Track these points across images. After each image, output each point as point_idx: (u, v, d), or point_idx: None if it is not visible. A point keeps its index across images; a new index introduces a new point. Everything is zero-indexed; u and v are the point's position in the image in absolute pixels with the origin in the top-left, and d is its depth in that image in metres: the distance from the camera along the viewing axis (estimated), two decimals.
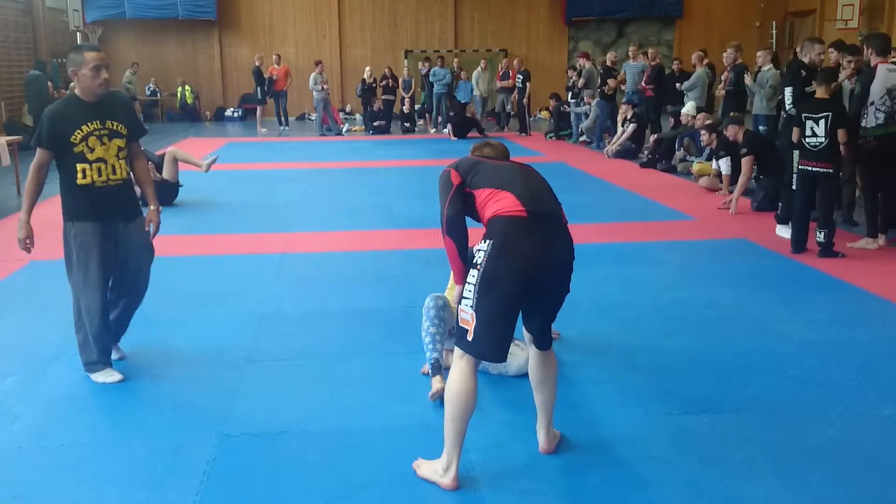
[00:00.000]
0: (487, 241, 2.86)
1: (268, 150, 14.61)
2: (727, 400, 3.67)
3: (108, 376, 3.93)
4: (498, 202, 2.93)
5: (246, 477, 3.04)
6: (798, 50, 8.50)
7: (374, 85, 17.88)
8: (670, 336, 4.53)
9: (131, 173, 4.04)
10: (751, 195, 8.32)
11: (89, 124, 3.78)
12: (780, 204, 7.15)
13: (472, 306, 2.81)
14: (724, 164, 9.00)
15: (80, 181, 3.82)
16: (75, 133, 3.76)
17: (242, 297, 5.33)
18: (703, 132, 9.79)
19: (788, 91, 6.98)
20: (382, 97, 18.00)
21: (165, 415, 3.57)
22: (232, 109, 21.87)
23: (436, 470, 2.95)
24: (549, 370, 3.14)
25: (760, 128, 10.48)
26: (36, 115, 13.58)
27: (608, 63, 14.45)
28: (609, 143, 13.29)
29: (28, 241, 3.97)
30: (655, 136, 12.17)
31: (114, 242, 3.93)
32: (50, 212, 8.45)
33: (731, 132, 8.44)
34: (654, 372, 4.01)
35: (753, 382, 3.86)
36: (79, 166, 3.80)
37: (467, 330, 2.83)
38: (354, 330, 4.63)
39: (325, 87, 16.97)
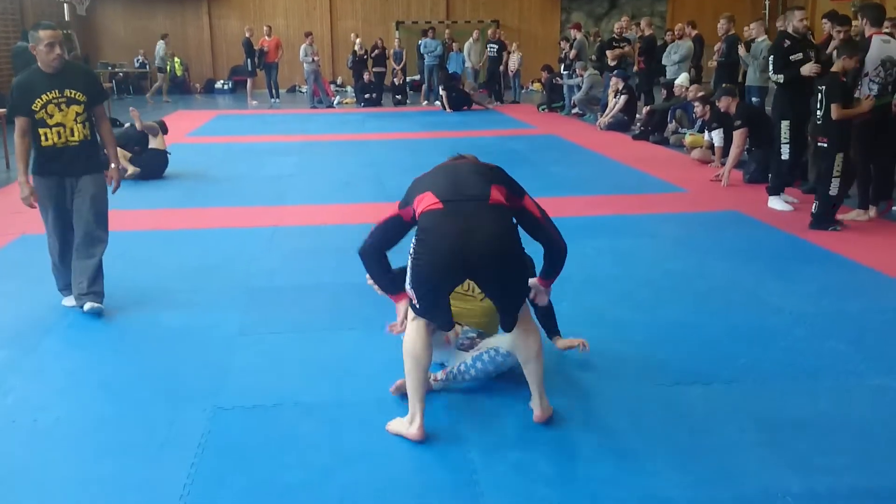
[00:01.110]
0: (414, 238, 3.00)
1: (258, 122, 14.52)
2: (719, 371, 3.70)
3: (66, 301, 4.62)
4: (421, 203, 3.00)
5: (240, 449, 3.05)
6: (781, 21, 8.47)
7: (366, 57, 17.76)
8: (662, 308, 4.54)
9: (96, 134, 4.53)
10: (743, 167, 8.31)
11: (48, 93, 4.29)
12: (770, 175, 7.15)
13: (410, 284, 3.05)
14: (717, 136, 8.99)
15: (42, 143, 4.34)
16: (36, 101, 4.28)
17: (234, 270, 5.32)
18: (696, 104, 9.78)
19: (771, 59, 6.97)
20: (373, 69, 17.89)
21: (159, 388, 3.57)
22: (222, 82, 21.72)
23: (402, 423, 3.11)
24: (528, 350, 3.17)
25: (753, 99, 10.46)
26: None
27: (615, 33, 14.21)
28: (601, 115, 13.25)
29: (32, 197, 4.43)
30: (648, 107, 12.14)
31: (70, 194, 4.43)
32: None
33: (724, 104, 8.42)
34: (645, 344, 4.03)
35: (745, 353, 3.88)
36: (40, 130, 4.32)
37: (412, 299, 3.07)
38: (346, 303, 4.63)
39: (315, 58, 16.84)
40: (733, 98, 8.40)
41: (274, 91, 17.66)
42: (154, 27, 21.10)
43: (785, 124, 6.90)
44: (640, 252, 5.71)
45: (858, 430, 3.17)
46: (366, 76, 17.56)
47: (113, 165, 4.57)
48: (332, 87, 19.73)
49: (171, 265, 5.43)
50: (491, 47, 17.69)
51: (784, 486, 2.77)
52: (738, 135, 7.96)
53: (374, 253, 3.17)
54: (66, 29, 19.22)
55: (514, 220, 3.04)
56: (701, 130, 9.89)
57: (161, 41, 18.88)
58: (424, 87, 18.25)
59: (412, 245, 2.99)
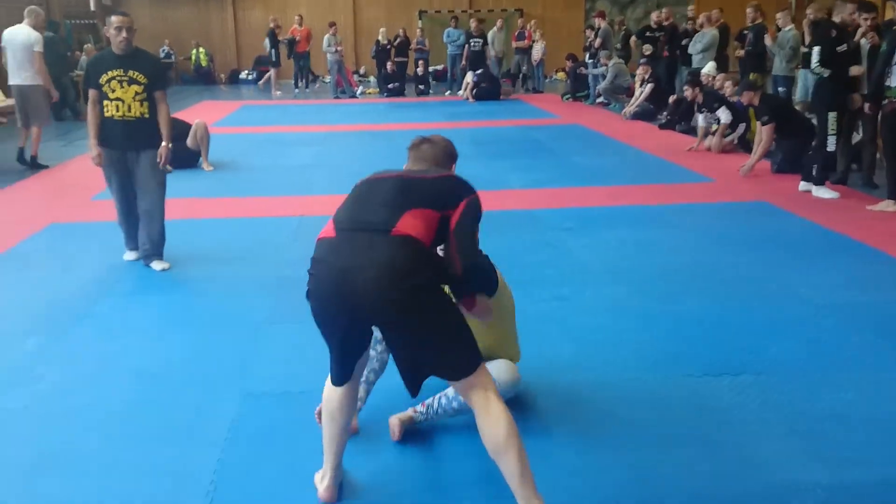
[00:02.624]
0: (309, 269, 2.47)
1: (283, 112, 14.58)
2: (747, 362, 3.67)
3: (127, 255, 5.29)
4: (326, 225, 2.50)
5: (269, 435, 3.08)
6: (809, 11, 8.39)
7: (389, 47, 17.76)
8: (688, 299, 4.52)
9: (154, 114, 5.03)
10: (770, 157, 8.23)
11: (113, 71, 4.91)
12: (814, 166, 7.08)
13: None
14: (724, 114, 9.00)
15: (104, 114, 4.96)
16: (102, 76, 4.91)
17: (261, 259, 5.36)
18: (686, 87, 9.75)
19: (816, 50, 6.88)
20: (396, 59, 17.88)
21: (188, 375, 3.61)
22: (246, 72, 21.80)
23: (318, 476, 2.71)
24: (490, 439, 2.38)
25: (780, 89, 10.38)
26: (53, 76, 13.50)
27: (652, 23, 14.07)
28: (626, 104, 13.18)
29: (99, 157, 5.05)
30: (674, 96, 12.05)
31: (129, 165, 5.02)
32: (64, 174, 8.52)
33: (747, 98, 8.37)
34: (671, 335, 4.01)
35: (773, 345, 3.86)
36: (104, 102, 4.95)
37: None
38: None
39: (338, 49, 16.87)
40: (755, 91, 8.34)
41: (306, 80, 17.71)
42: (179, 17, 21.23)
43: (832, 116, 6.85)
44: (665, 242, 5.68)
45: (888, 421, 3.14)
46: (389, 66, 17.56)
47: (164, 143, 5.06)
48: (356, 77, 19.76)
49: (200, 254, 5.48)
50: (475, 42, 17.26)
51: (813, 477, 2.76)
52: (765, 130, 7.89)
53: None
54: (92, 19, 19.42)
55: (430, 251, 2.41)
56: (697, 112, 9.86)
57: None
58: (448, 76, 18.22)
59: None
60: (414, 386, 2.47)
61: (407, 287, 2.26)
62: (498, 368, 3.01)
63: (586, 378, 3.53)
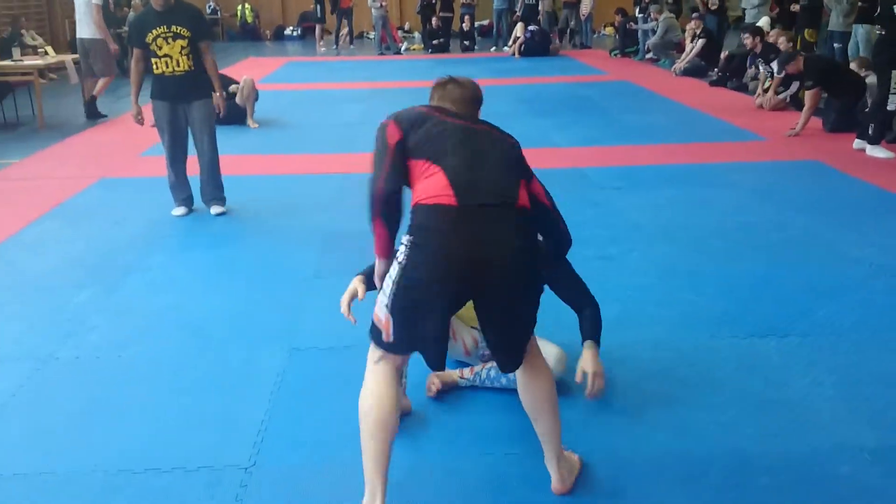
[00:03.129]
0: (408, 237, 2.24)
1: (327, 69, 14.56)
2: (794, 324, 3.61)
3: (175, 211, 5.42)
4: (426, 182, 2.23)
5: (315, 388, 3.13)
6: None
7: (434, 1, 17.55)
8: (736, 260, 4.45)
9: (200, 66, 5.18)
10: (822, 116, 8.01)
11: (158, 28, 5.02)
12: (871, 125, 6.88)
13: (388, 306, 2.25)
14: (778, 67, 8.82)
15: (155, 71, 5.12)
16: (148, 35, 5.02)
17: (308, 215, 5.40)
18: (746, 36, 9.48)
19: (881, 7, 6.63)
20: (441, 14, 17.68)
21: (236, 329, 3.67)
22: (291, 28, 21.76)
23: None
24: (534, 396, 2.41)
25: (835, 45, 10.07)
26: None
27: None
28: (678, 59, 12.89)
29: (139, 115, 5.35)
30: (726, 52, 11.75)
31: (182, 117, 5.20)
32: (113, 131, 8.64)
33: (792, 69, 8.18)
34: (719, 295, 3.96)
35: (822, 306, 3.79)
36: (153, 60, 5.08)
37: (382, 331, 2.29)
38: None
39: (383, 4, 16.74)
40: (795, 60, 8.13)
41: (350, 37, 17.63)
42: None
43: (895, 73, 6.62)
44: (715, 202, 5.58)
45: None
46: (434, 21, 17.38)
47: (218, 94, 5.33)
48: (400, 33, 19.60)
49: (246, 209, 5.53)
50: None
51: (859, 440, 2.72)
52: (808, 95, 7.67)
53: (395, 197, 2.32)
54: None
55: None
56: (750, 66, 9.59)
57: None
58: (494, 31, 17.98)
59: (401, 246, 2.25)
60: (515, 360, 2.35)
61: (531, 262, 2.27)
62: (548, 353, 2.82)
63: (631, 337, 3.51)
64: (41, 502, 2.48)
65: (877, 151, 6.76)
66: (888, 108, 6.70)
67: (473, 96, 2.55)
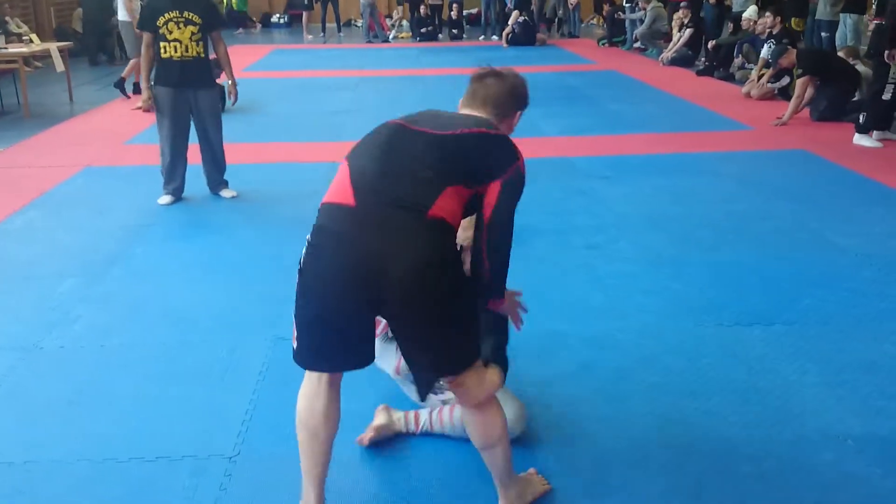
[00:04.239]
0: (308, 237, 2.06)
1: (314, 57, 14.48)
2: (780, 312, 3.63)
3: (162, 199, 5.36)
4: (333, 181, 2.09)
5: (300, 378, 3.08)
6: None
7: None
8: (723, 248, 4.46)
9: (208, 54, 5.26)
10: (811, 104, 8.03)
11: (169, 13, 5.07)
12: (863, 113, 6.89)
13: (294, 314, 2.09)
14: (766, 49, 8.85)
15: (162, 55, 5.12)
16: (159, 19, 5.07)
17: (292, 204, 5.37)
18: (767, 14, 9.45)
19: None
20: (429, 2, 17.60)
21: (221, 318, 3.66)
22: (278, 15, 21.63)
23: None
24: (483, 433, 2.17)
25: (823, 34, 10.09)
26: (91, 20, 13.52)
27: None
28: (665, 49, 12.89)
29: (149, 100, 5.31)
30: (713, 42, 11.75)
31: (186, 104, 5.21)
32: (98, 119, 8.57)
33: (785, 62, 8.22)
34: (705, 284, 3.97)
35: (808, 295, 3.80)
36: (161, 44, 5.11)
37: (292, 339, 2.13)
38: None
39: None
40: (787, 52, 8.16)
41: (337, 24, 17.56)
42: None
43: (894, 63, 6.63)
44: (702, 191, 5.59)
45: None
46: (422, 10, 17.31)
47: (230, 81, 5.47)
48: (388, 21, 19.51)
49: (234, 198, 5.51)
50: None
51: (845, 428, 2.73)
52: (800, 83, 7.69)
53: None
54: None
55: (451, 239, 2.01)
56: (737, 55, 9.60)
57: None
58: (482, 20, 17.93)
59: (303, 249, 2.06)
60: (427, 386, 2.13)
61: (441, 279, 1.94)
62: (507, 408, 2.38)
63: (617, 325, 3.52)
64: (26, 491, 2.46)
65: (864, 140, 6.78)
66: (884, 97, 6.71)
67: (512, 94, 2.31)
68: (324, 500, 2.25)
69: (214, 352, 3.33)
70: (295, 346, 2.12)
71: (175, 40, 5.08)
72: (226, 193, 5.51)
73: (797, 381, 3.04)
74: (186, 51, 5.11)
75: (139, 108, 5.39)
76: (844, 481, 2.46)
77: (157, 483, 2.49)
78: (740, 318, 3.57)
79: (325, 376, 2.16)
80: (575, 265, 4.25)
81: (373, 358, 2.15)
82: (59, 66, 9.61)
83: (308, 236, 2.05)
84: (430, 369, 2.10)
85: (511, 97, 2.30)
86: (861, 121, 6.85)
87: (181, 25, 5.08)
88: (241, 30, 19.21)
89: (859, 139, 6.82)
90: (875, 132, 6.85)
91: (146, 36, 5.17)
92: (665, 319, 3.59)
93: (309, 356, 2.11)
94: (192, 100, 5.21)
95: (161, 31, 5.08)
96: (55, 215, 5.21)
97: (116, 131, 7.70)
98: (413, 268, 1.90)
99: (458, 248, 2.07)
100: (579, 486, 2.46)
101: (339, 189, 2.04)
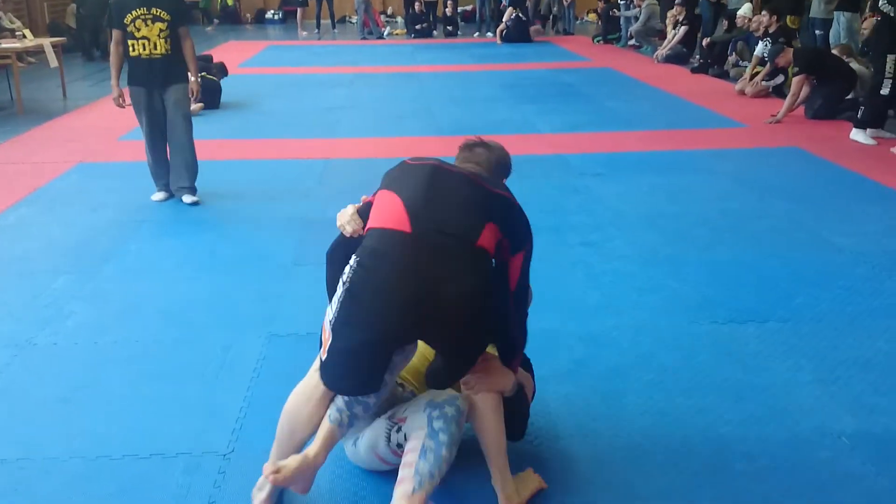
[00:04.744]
0: (355, 258, 2.14)
1: (309, 53, 14.46)
2: (774, 310, 3.63)
3: (155, 196, 5.37)
4: (381, 207, 2.20)
5: (294, 375, 3.07)
6: None
7: None
8: (718, 246, 4.47)
9: (179, 50, 5.14)
10: (806, 102, 8.04)
11: (138, 10, 4.98)
12: (861, 108, 6.90)
13: (331, 322, 2.16)
14: (761, 47, 8.85)
15: (131, 53, 5.05)
16: (127, 16, 4.98)
17: (288, 201, 5.36)
18: (763, 12, 9.45)
19: None
20: None
21: (216, 315, 3.65)
22: (272, 12, 21.59)
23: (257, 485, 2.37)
24: (477, 418, 2.28)
25: (817, 32, 10.10)
26: (86, 15, 13.47)
27: None
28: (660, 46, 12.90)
29: (120, 98, 5.21)
30: (707, 39, 11.76)
31: (159, 101, 5.14)
32: (91, 115, 8.54)
33: (782, 61, 8.23)
34: (700, 282, 3.97)
35: (802, 292, 3.81)
36: (129, 42, 5.03)
37: (322, 344, 2.23)
38: None
39: None
40: (784, 51, 8.18)
41: (332, 21, 17.51)
42: None
43: (891, 59, 6.61)
44: (697, 189, 5.60)
45: None
46: (417, 6, 17.29)
47: (193, 78, 5.25)
48: (383, 17, 19.49)
49: (226, 195, 5.48)
50: None
51: (839, 426, 2.74)
52: (796, 82, 7.69)
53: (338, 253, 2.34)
54: None
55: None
56: (731, 53, 9.59)
57: None
58: (477, 16, 17.92)
59: (348, 267, 2.15)
60: (439, 381, 2.23)
61: (486, 304, 2.10)
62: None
63: (612, 323, 3.52)
64: (19, 488, 2.45)
65: (859, 136, 6.80)
66: (882, 92, 6.72)
67: (500, 164, 2.45)
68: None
69: (209, 349, 3.32)
70: (324, 358, 2.18)
71: (143, 38, 5.00)
72: (187, 198, 5.26)
73: (791, 379, 3.05)
74: (155, 48, 5.03)
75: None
76: (838, 479, 2.47)
77: (151, 480, 2.48)
78: (735, 316, 3.58)
79: (324, 392, 2.22)
80: (570, 263, 4.25)
81: (379, 388, 2.18)
82: (53, 61, 9.56)
83: (354, 257, 2.14)
84: (451, 380, 2.23)
85: (499, 166, 2.46)
86: (859, 116, 6.87)
87: (149, 22, 5.00)
88: (211, 27, 18.91)
89: (856, 134, 6.83)
90: (868, 129, 6.87)
91: (115, 33, 5.08)
92: (660, 317, 3.59)
93: (337, 374, 2.16)
94: (162, 96, 5.14)
95: (129, 28, 4.99)
96: (48, 212, 5.18)
97: (110, 127, 7.67)
98: (465, 294, 2.05)
99: None
100: (575, 483, 2.46)
101: (392, 215, 2.14)
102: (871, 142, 6.72)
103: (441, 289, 2.04)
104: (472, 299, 2.07)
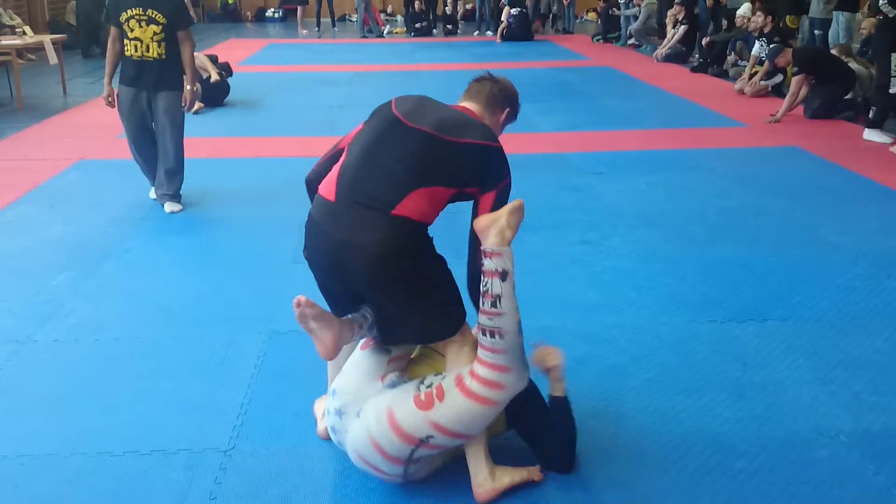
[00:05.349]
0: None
1: (309, 52, 14.45)
2: (773, 308, 3.64)
3: (152, 193, 5.27)
4: (332, 170, 2.42)
5: (294, 372, 3.12)
6: None
7: None
8: (716, 245, 4.48)
9: (175, 56, 4.92)
10: (805, 102, 8.05)
11: (132, 10, 4.79)
12: (872, 109, 6.92)
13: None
14: (758, 47, 8.86)
15: (125, 53, 4.88)
16: (122, 15, 4.80)
17: (288, 199, 5.35)
18: (758, 13, 9.46)
19: None
20: None
21: (216, 312, 3.65)
22: (273, 10, 21.58)
23: (321, 409, 2.70)
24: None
25: (816, 32, 10.10)
26: (83, 12, 13.46)
27: None
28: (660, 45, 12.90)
29: (110, 97, 5.02)
30: (707, 38, 11.77)
31: (146, 106, 4.95)
32: (92, 112, 8.53)
33: (782, 61, 8.25)
34: (699, 280, 3.98)
35: (801, 291, 3.82)
36: (124, 41, 4.86)
37: None
38: None
39: None
40: (783, 52, 8.20)
41: (332, 19, 17.48)
42: None
43: (895, 57, 6.64)
44: (696, 187, 5.61)
45: None
46: (417, 5, 17.29)
47: (188, 87, 4.99)
48: (383, 16, 19.48)
49: (226, 193, 5.50)
50: None
51: (837, 424, 2.75)
52: (795, 81, 7.70)
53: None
54: None
55: (424, 231, 2.31)
56: (730, 52, 9.59)
57: None
58: (476, 15, 17.92)
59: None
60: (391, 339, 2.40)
61: (397, 266, 2.23)
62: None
63: (611, 321, 3.53)
64: (20, 485, 2.46)
65: (874, 135, 6.81)
66: (891, 90, 6.73)
67: (503, 94, 2.57)
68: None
69: (209, 346, 3.33)
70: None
71: (136, 39, 4.80)
72: (168, 207, 5.08)
73: (790, 378, 3.06)
74: (147, 50, 4.82)
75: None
76: (837, 477, 2.48)
77: (152, 476, 2.49)
78: (734, 315, 3.59)
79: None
80: (569, 261, 4.26)
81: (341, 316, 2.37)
82: (53, 58, 9.56)
83: (305, 222, 2.39)
84: (409, 339, 2.42)
85: (502, 94, 2.58)
86: (871, 116, 6.88)
87: (143, 24, 4.78)
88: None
89: (870, 134, 6.85)
90: (866, 129, 6.89)
91: (112, 31, 4.90)
92: (659, 315, 3.60)
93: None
94: (150, 102, 4.93)
95: (123, 27, 4.80)
96: (49, 209, 5.19)
97: (110, 124, 7.64)
98: (369, 260, 2.20)
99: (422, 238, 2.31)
100: (574, 481, 2.47)
101: (328, 181, 2.37)
102: (886, 139, 6.72)
103: (351, 256, 2.23)
104: (378, 263, 2.21)
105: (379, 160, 2.29)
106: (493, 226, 2.26)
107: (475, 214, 2.33)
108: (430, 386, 2.28)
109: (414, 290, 2.29)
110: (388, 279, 2.24)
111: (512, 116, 2.63)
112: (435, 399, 2.24)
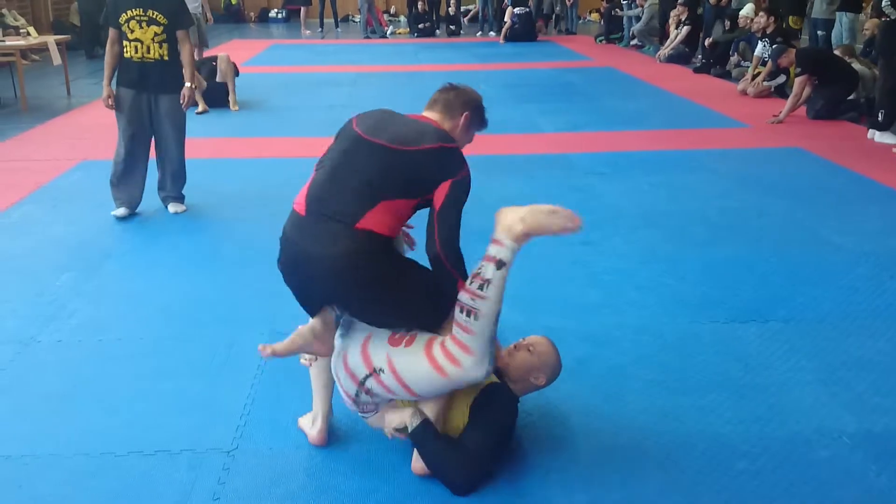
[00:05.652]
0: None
1: (312, 52, 14.47)
2: (775, 309, 3.64)
3: (115, 211, 5.01)
4: (306, 184, 2.54)
5: (297, 372, 3.10)
6: None
7: None
8: (718, 245, 4.48)
9: (176, 57, 4.88)
10: (808, 103, 8.04)
11: (133, 10, 4.72)
12: (880, 111, 6.90)
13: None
14: (761, 47, 8.85)
15: (124, 54, 4.80)
16: (121, 16, 4.73)
17: (289, 200, 5.31)
18: (761, 14, 9.46)
19: None
20: None
21: (218, 313, 3.66)
22: (276, 11, 21.60)
23: (307, 420, 2.71)
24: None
25: (819, 32, 10.10)
26: (86, 13, 13.49)
27: None
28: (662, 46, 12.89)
29: (110, 99, 4.88)
30: (710, 39, 11.76)
31: (146, 109, 4.88)
32: (95, 113, 8.55)
33: (785, 61, 8.25)
34: (700, 281, 3.98)
35: (803, 292, 3.82)
36: (124, 42, 4.78)
37: None
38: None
39: None
40: (787, 52, 8.19)
41: (335, 20, 17.51)
42: None
43: None
44: (698, 188, 5.61)
45: None
46: (419, 5, 17.30)
47: (187, 84, 4.93)
48: (386, 16, 19.49)
49: (228, 193, 5.51)
50: None
51: (840, 425, 2.75)
52: (798, 82, 7.69)
53: None
54: None
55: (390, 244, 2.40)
56: (733, 53, 9.60)
57: None
58: (479, 15, 17.92)
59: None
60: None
61: (356, 274, 2.32)
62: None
63: (612, 322, 3.53)
64: (24, 485, 2.47)
65: (886, 137, 6.80)
66: None
67: (459, 99, 2.60)
68: (331, 413, 2.68)
69: (212, 346, 3.34)
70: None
71: (136, 40, 4.73)
72: (172, 208, 5.10)
73: (792, 378, 3.06)
74: (148, 52, 4.75)
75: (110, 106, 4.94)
76: (839, 478, 2.48)
77: (156, 477, 2.50)
78: (736, 315, 3.59)
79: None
80: (570, 261, 4.26)
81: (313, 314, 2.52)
82: (56, 59, 9.58)
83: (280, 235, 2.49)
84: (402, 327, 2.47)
85: (458, 100, 2.60)
86: (880, 118, 6.88)
87: (143, 25, 4.72)
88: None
89: (881, 137, 6.83)
90: (869, 130, 6.88)
91: (111, 32, 4.80)
92: (661, 316, 3.60)
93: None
94: (151, 105, 4.88)
95: (123, 28, 4.73)
96: (52, 209, 5.20)
97: (113, 125, 7.59)
98: (334, 271, 2.32)
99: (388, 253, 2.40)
100: (576, 481, 2.47)
101: (300, 196, 2.48)
102: None
103: (316, 266, 2.35)
104: (336, 274, 2.32)
105: (343, 176, 2.41)
106: (508, 215, 2.31)
107: (433, 203, 2.37)
108: (410, 332, 2.43)
109: (388, 288, 2.37)
110: (356, 286, 2.34)
111: (476, 120, 2.64)
112: (403, 343, 2.40)
